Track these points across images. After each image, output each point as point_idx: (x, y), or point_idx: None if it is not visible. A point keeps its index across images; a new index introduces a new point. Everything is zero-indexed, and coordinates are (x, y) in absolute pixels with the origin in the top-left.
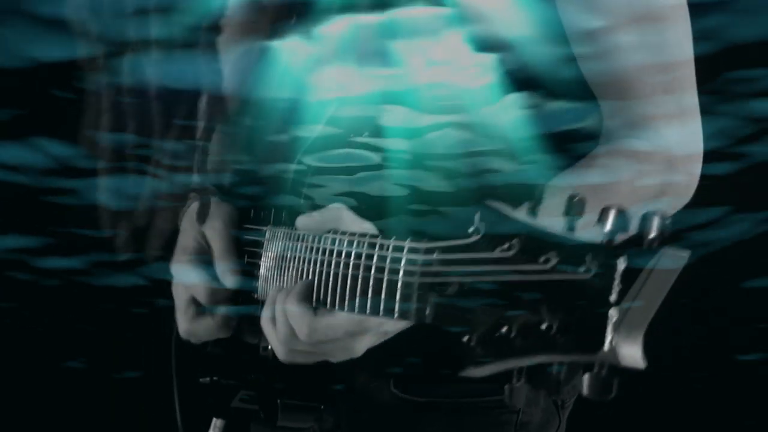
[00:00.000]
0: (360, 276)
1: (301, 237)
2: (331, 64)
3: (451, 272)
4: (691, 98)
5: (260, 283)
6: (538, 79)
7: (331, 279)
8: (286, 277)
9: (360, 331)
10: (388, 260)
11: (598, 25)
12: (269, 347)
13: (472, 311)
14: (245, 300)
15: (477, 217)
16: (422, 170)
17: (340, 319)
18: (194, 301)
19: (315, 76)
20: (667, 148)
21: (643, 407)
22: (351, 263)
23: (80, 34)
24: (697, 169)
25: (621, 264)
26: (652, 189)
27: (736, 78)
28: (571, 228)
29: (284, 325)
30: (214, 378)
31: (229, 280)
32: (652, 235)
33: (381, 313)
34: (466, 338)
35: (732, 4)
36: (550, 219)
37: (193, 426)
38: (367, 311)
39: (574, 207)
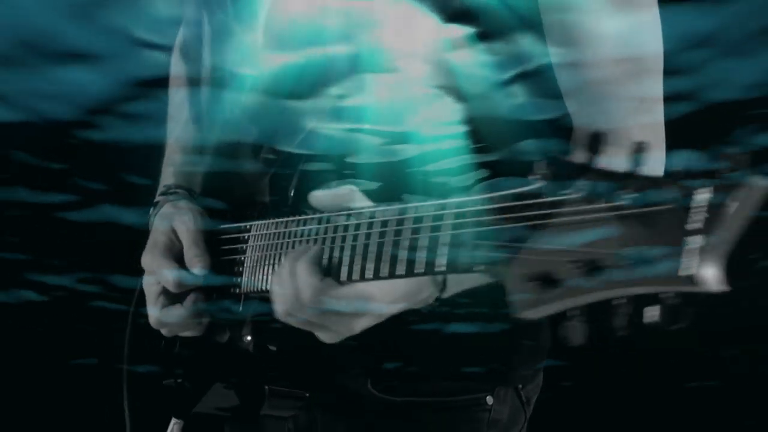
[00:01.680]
0: (395, 240)
1: (303, 222)
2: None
3: (516, 218)
4: (660, 130)
5: (245, 277)
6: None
7: (350, 250)
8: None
9: (365, 310)
10: (430, 219)
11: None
12: (249, 337)
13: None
14: (217, 294)
15: (541, 164)
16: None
17: (351, 291)
18: (164, 292)
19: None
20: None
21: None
22: (379, 232)
23: None
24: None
25: (699, 194)
26: None
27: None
28: (639, 165)
29: (290, 285)
30: (178, 380)
31: (197, 268)
32: (726, 166)
33: (424, 270)
34: (527, 280)
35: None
36: (615, 160)
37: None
38: (407, 272)
39: (641, 147)
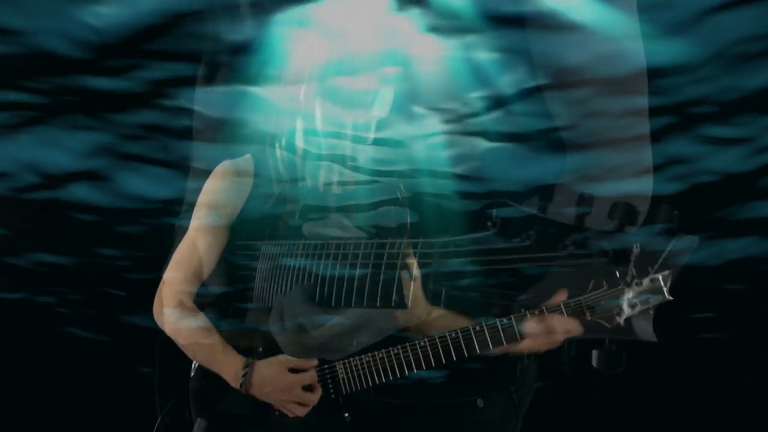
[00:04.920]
0: (370, 274)
1: (303, 246)
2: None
3: (466, 262)
4: (646, 153)
5: (257, 288)
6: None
7: (337, 280)
8: (287, 283)
9: (360, 326)
10: (400, 257)
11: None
12: (260, 349)
13: (487, 299)
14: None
15: (494, 211)
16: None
17: (345, 316)
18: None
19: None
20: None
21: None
22: (359, 263)
23: None
24: (645, 208)
25: (635, 248)
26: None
27: None
28: (582, 220)
29: (294, 323)
30: (202, 382)
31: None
32: (661, 223)
33: (393, 305)
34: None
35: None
36: (559, 212)
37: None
38: (378, 304)
39: (584, 201)
